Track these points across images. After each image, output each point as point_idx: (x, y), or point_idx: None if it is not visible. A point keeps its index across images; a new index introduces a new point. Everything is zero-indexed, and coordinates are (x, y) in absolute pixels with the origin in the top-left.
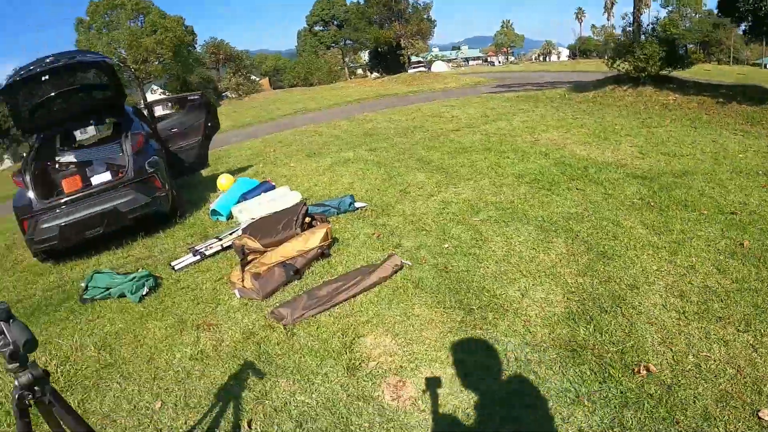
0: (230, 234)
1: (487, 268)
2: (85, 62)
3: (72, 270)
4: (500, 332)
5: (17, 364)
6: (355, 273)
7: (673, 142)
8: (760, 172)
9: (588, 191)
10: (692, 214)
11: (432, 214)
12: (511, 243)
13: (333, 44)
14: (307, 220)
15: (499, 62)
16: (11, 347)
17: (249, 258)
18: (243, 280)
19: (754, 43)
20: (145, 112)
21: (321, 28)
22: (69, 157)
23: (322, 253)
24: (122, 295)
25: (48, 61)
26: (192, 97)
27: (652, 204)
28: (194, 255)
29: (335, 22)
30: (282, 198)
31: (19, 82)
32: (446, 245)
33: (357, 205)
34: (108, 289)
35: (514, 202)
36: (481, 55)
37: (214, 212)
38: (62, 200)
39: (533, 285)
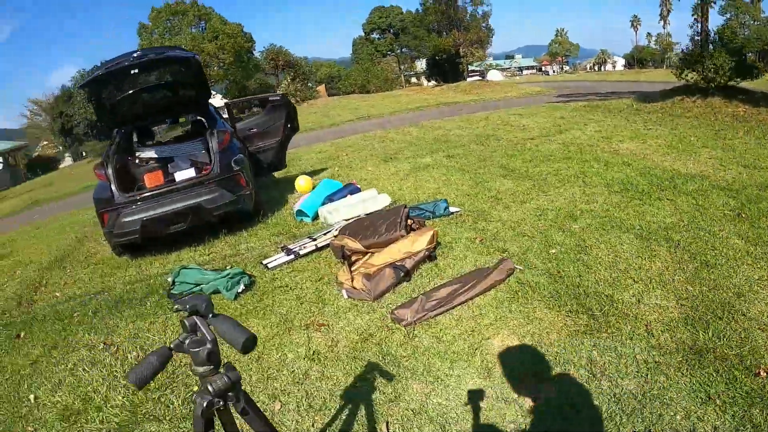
0: (324, 234)
1: (599, 274)
2: (174, 58)
3: (151, 265)
4: (625, 336)
5: (211, 367)
6: (470, 276)
7: (751, 154)
8: None
9: (679, 202)
10: None
11: (530, 220)
12: (615, 250)
13: (389, 52)
14: (409, 222)
15: (554, 71)
16: (209, 346)
17: (353, 259)
18: (352, 281)
19: None
20: (221, 111)
21: (377, 36)
22: (150, 153)
23: (429, 256)
24: (215, 292)
25: (136, 55)
26: (273, 98)
27: (743, 216)
28: (287, 254)
29: (391, 30)
30: (372, 200)
31: (105, 76)
32: (552, 251)
33: (451, 209)
34: (198, 285)
35: (609, 210)
36: (535, 64)
37: (300, 212)
38: (146, 194)
39: (646, 291)
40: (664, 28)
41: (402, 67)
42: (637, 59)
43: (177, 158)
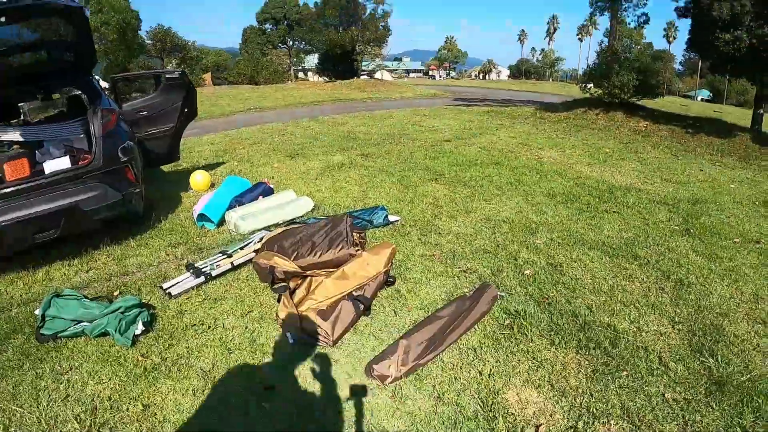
0: (241, 248)
1: (586, 298)
2: (52, 7)
3: (13, 285)
4: (645, 371)
5: None
6: (453, 308)
7: (666, 168)
8: (756, 202)
9: (625, 215)
10: (727, 242)
11: (485, 233)
12: (590, 270)
13: (281, 44)
14: (355, 236)
15: (440, 76)
16: None
17: (291, 286)
18: (300, 321)
19: (687, 77)
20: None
21: (271, 26)
22: (12, 135)
23: (386, 281)
24: (103, 334)
25: None
26: (170, 75)
27: (691, 231)
28: (195, 275)
29: (286, 22)
30: (292, 204)
31: None
32: (527, 271)
33: (390, 218)
34: (79, 322)
35: (563, 223)
36: (422, 68)
37: (202, 217)
38: (6, 189)
39: (641, 316)
40: (549, 45)
41: (293, 60)
42: (520, 71)
43: (48, 144)
